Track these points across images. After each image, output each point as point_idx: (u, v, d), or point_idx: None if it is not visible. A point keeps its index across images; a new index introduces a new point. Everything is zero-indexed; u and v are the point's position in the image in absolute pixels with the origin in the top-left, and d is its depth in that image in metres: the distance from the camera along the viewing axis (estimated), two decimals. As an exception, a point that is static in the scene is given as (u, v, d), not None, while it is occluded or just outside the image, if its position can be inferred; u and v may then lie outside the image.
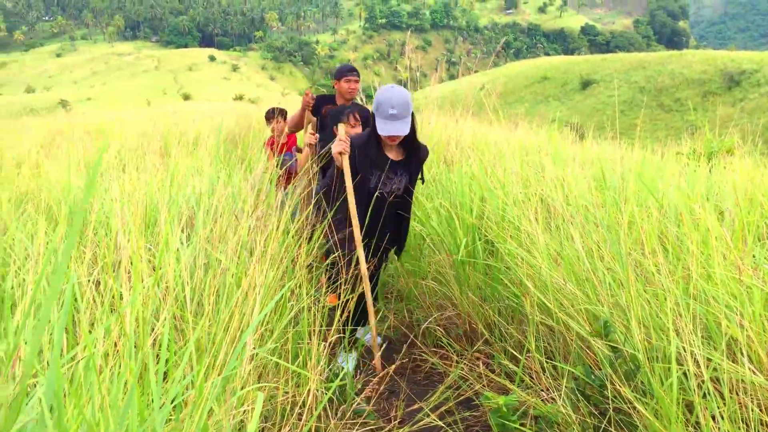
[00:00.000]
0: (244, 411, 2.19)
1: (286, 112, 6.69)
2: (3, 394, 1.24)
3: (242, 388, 2.25)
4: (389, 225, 4.00)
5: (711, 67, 63.54)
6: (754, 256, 2.91)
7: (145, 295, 2.60)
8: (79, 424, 1.12)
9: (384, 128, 3.50)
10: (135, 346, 2.33)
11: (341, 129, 3.70)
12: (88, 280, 2.91)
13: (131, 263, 2.90)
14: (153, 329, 2.61)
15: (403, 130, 3.52)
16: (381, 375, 3.62)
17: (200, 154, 6.87)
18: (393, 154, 3.81)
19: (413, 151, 3.84)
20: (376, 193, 3.81)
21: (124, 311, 2.09)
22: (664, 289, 2.55)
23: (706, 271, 2.74)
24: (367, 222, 3.77)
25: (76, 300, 2.87)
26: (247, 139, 9.18)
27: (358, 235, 3.59)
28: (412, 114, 3.61)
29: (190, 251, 3.15)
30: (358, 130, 4.44)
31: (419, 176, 4.00)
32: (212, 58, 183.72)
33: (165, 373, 2.41)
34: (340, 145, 3.54)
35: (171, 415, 1.65)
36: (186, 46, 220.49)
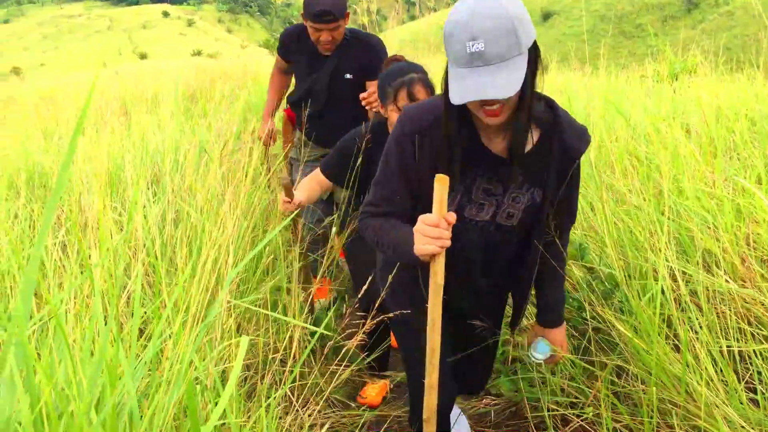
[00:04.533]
0: (225, 362, 2.17)
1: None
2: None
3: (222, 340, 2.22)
4: (487, 290, 2.06)
5: (670, -10, 63.40)
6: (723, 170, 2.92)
7: (114, 252, 2.54)
8: (52, 386, 1.09)
9: (461, 88, 1.50)
10: (108, 304, 2.28)
11: (438, 200, 1.53)
12: (54, 244, 2.84)
13: (98, 222, 2.83)
14: (125, 287, 2.57)
15: (503, 86, 1.46)
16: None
17: (161, 110, 6.72)
18: (497, 145, 1.75)
19: (551, 132, 1.77)
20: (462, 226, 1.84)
21: (94, 270, 2.04)
22: (637, 207, 2.55)
23: (677, 187, 2.75)
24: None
25: (43, 264, 2.81)
26: (209, 94, 8.98)
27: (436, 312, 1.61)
28: (532, 49, 1.55)
29: (158, 206, 3.08)
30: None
31: (564, 187, 1.84)
32: (166, 14, 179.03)
33: (141, 330, 2.37)
34: (434, 241, 1.53)
35: (149, 372, 1.62)
36: (138, 3, 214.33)
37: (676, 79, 6.61)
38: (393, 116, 2.45)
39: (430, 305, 1.52)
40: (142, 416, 1.28)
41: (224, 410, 1.17)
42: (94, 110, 8.20)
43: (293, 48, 3.63)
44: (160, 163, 3.91)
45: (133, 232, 2.89)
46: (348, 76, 3.44)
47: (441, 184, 1.46)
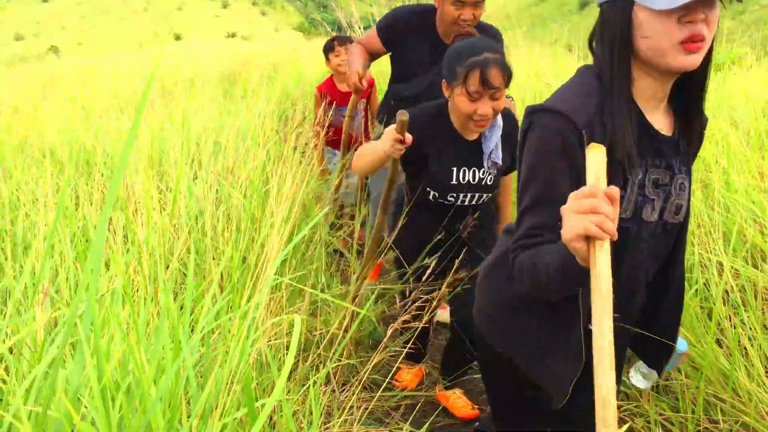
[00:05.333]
0: (269, 340, 2.20)
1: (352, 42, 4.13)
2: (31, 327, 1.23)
3: (266, 319, 2.25)
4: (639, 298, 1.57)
5: (712, -20, 62.25)
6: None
7: (158, 231, 2.58)
8: (120, 354, 1.11)
9: None
10: (154, 282, 2.32)
11: None
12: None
13: (143, 199, 2.87)
14: (167, 267, 2.61)
15: None
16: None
17: (199, 93, 6.78)
18: (658, 121, 1.42)
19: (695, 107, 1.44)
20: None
21: (142, 245, 2.07)
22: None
23: (725, 180, 2.71)
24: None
25: (87, 240, 2.87)
26: (246, 75, 9.03)
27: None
28: None
29: (201, 186, 3.12)
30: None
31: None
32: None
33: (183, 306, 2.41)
34: (590, 216, 1.04)
35: (200, 347, 1.65)
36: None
37: (719, 71, 6.50)
38: (460, 101, 2.18)
39: (596, 329, 1.00)
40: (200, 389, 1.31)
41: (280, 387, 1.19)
42: (133, 91, 8.30)
43: (407, 35, 3.02)
44: (203, 144, 3.95)
45: (176, 211, 2.93)
46: None
47: (596, 152, 1.06)
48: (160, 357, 1.25)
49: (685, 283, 1.59)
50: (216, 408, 1.21)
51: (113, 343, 1.30)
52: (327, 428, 2.17)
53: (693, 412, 2.06)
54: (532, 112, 1.35)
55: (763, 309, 2.13)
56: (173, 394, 1.16)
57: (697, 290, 2.14)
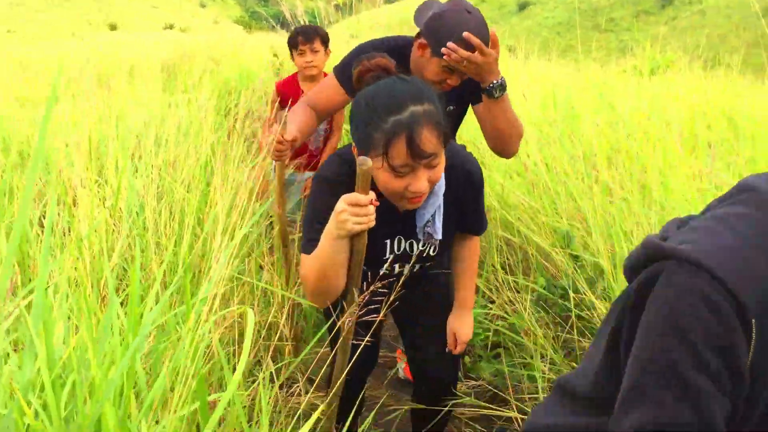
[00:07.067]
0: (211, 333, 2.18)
1: (327, 37, 3.75)
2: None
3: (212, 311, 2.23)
4: None
5: (645, -14, 64.33)
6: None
7: (100, 226, 2.52)
8: (72, 349, 1.09)
9: None
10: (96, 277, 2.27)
11: None
12: (38, 216, 2.81)
13: (81, 194, 2.80)
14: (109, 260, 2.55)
15: None
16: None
17: (139, 84, 6.64)
18: None
19: None
20: None
21: (84, 240, 2.03)
22: (623, 199, 2.61)
23: (662, 181, 2.81)
24: None
25: (26, 237, 2.78)
26: (188, 69, 8.87)
27: None
28: None
29: (142, 180, 3.06)
30: None
31: None
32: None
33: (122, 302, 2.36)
34: None
35: (149, 342, 1.62)
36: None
37: (654, 74, 6.73)
38: (383, 177, 1.49)
39: None
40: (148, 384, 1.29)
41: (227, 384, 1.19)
42: (69, 81, 8.05)
43: None
44: (144, 138, 3.87)
45: (116, 206, 2.87)
46: (450, 107, 2.31)
47: None
48: (110, 351, 1.23)
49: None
50: (170, 401, 1.20)
51: (59, 337, 1.27)
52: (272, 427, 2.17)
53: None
54: (658, 255, 0.77)
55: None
56: (123, 387, 1.14)
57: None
